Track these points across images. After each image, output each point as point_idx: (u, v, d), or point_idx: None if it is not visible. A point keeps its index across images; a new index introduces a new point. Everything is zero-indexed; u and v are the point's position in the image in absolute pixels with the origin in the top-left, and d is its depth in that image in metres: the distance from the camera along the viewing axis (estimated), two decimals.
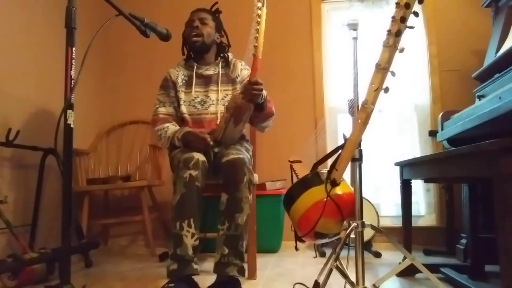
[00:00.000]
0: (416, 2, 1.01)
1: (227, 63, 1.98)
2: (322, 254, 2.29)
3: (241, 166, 1.58)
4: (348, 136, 1.19)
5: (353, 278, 1.21)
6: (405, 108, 2.76)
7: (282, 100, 2.77)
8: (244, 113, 1.66)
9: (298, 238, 1.35)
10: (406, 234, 1.77)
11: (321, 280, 1.32)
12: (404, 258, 1.38)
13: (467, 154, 1.12)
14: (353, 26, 1.40)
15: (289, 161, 1.77)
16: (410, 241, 1.77)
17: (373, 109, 1.10)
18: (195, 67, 1.94)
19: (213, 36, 1.96)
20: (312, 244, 2.54)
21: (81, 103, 2.74)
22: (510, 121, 1.30)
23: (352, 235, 1.21)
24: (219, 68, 1.95)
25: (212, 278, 1.58)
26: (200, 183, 1.56)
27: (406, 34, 1.03)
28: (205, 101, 1.90)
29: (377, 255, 2.22)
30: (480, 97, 1.99)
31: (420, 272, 1.35)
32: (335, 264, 1.22)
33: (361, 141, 1.23)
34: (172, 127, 1.84)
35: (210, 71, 1.94)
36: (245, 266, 1.60)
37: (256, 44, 1.51)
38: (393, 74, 1.07)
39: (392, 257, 2.20)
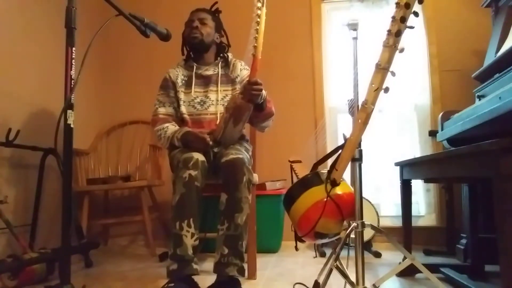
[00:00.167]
0: (416, 2, 1.01)
1: (226, 63, 1.98)
2: (322, 254, 2.29)
3: (241, 166, 1.58)
4: (348, 136, 1.19)
5: (353, 278, 1.21)
6: (405, 108, 2.76)
7: (282, 100, 2.77)
8: (244, 113, 1.66)
9: (298, 238, 1.35)
10: (406, 234, 1.77)
11: (321, 280, 1.32)
12: (404, 258, 1.38)
13: (467, 154, 1.12)
14: (353, 26, 1.40)
15: (289, 161, 1.77)
16: (410, 241, 1.77)
17: (373, 109, 1.10)
18: (194, 67, 1.94)
19: (213, 36, 1.96)
20: (312, 244, 2.54)
21: (81, 103, 2.74)
22: (510, 121, 1.30)
23: (352, 235, 1.21)
24: (218, 68, 1.95)
25: (212, 278, 1.58)
26: (200, 183, 1.56)
27: (406, 34, 1.03)
28: (204, 101, 1.90)
29: (377, 255, 2.22)
30: (480, 97, 1.99)
31: (420, 272, 1.35)
32: (335, 264, 1.22)
33: (361, 141, 1.23)
34: (171, 127, 1.84)
35: (209, 71, 1.94)
36: (245, 266, 1.60)
37: (255, 44, 1.51)
38: (393, 74, 1.07)
39: (392, 257, 2.20)
